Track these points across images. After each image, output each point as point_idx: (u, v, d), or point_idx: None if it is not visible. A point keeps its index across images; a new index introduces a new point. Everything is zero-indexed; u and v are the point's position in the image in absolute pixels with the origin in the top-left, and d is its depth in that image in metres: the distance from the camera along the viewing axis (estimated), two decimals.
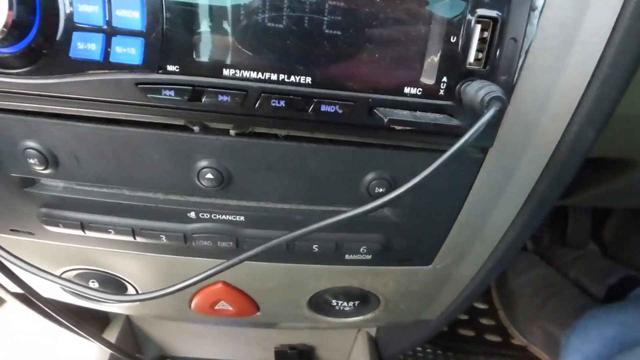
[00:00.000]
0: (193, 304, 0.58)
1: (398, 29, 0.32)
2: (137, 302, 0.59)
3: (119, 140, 0.38)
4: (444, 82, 0.33)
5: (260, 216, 0.44)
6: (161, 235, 0.45)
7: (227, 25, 0.31)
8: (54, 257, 0.53)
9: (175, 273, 0.52)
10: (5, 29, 0.28)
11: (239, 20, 0.31)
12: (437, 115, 0.33)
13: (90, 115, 0.36)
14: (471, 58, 0.32)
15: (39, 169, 0.39)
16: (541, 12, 0.33)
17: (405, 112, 0.33)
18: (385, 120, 0.31)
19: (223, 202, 0.44)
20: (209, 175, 0.40)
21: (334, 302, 0.58)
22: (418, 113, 0.33)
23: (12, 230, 0.48)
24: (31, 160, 0.39)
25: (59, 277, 0.41)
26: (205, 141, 0.38)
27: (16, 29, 0.28)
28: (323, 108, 0.33)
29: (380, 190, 0.41)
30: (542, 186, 0.43)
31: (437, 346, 1.15)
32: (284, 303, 0.59)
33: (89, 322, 0.91)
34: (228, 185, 0.41)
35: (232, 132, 0.38)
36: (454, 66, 0.32)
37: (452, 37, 0.32)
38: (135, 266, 0.53)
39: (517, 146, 0.40)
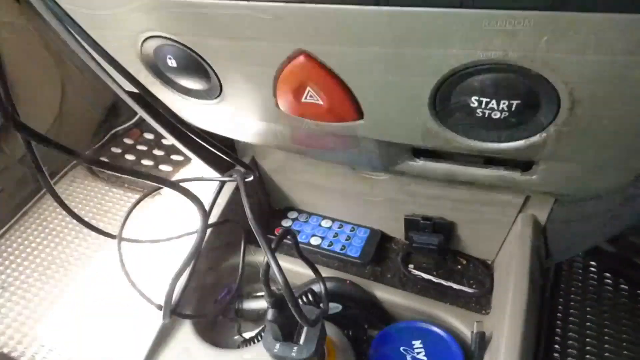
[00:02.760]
0: (278, 96, 0.44)
1: None
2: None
3: None
4: None
5: None
6: None
7: None
8: (133, 22, 0.45)
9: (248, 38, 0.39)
10: None
11: None
12: None
13: None
14: None
15: None
16: None
17: None
18: None
19: None
20: None
21: (474, 100, 0.36)
22: None
23: None
24: None
25: None
26: None
27: None
28: None
29: None
30: None
31: (622, 277, 0.83)
32: (396, 99, 0.39)
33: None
34: None
35: None
36: None
37: None
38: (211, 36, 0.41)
39: None
